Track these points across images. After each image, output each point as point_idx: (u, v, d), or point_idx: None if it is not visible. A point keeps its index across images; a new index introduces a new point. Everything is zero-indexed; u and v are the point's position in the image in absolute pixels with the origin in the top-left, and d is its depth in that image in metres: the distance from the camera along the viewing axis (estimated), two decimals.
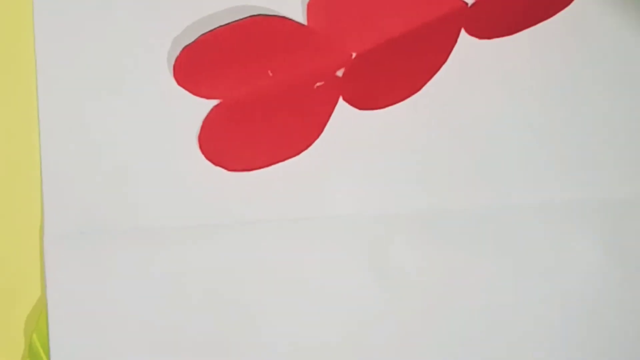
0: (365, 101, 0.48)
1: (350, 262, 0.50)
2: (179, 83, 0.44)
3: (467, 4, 0.48)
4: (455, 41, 0.49)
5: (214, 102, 0.46)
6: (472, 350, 0.52)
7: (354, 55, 0.47)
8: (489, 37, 0.50)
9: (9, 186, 0.45)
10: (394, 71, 0.48)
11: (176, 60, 0.44)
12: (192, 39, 0.44)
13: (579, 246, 0.53)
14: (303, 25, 0.46)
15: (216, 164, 0.46)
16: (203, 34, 0.44)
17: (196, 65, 0.44)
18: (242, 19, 0.45)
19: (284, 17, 0.45)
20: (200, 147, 0.46)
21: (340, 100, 0.48)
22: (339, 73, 0.47)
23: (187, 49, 0.44)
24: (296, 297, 0.49)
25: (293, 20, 0.46)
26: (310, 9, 0.46)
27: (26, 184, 0.45)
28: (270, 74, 0.46)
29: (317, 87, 0.47)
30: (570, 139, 0.52)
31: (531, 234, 0.53)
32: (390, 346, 0.51)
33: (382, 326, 0.51)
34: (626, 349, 0.56)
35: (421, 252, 0.51)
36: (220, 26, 0.44)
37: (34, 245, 0.45)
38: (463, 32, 0.49)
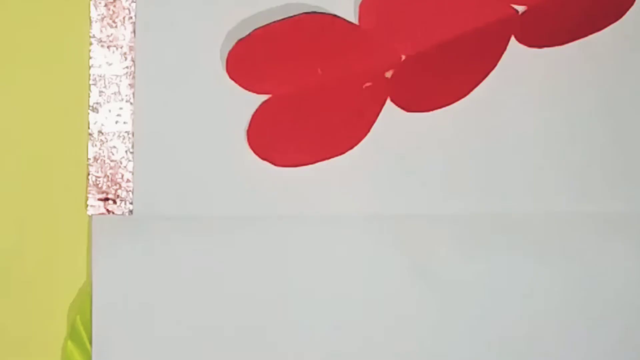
0: (412, 103, 0.48)
1: (390, 260, 0.50)
2: (231, 76, 0.45)
3: (517, 11, 0.48)
4: (505, 48, 0.49)
5: (264, 97, 0.46)
6: (509, 352, 0.52)
7: (403, 57, 0.47)
8: (539, 46, 0.50)
9: (54, 174, 0.46)
10: (442, 75, 0.49)
11: (229, 54, 0.45)
12: (246, 33, 0.45)
13: (621, 255, 0.53)
14: (354, 24, 0.47)
15: (263, 158, 0.47)
16: (256, 29, 0.45)
17: (248, 59, 0.45)
18: (295, 16, 0.45)
19: (335, 16, 0.46)
20: (249, 141, 0.46)
21: (388, 101, 0.48)
22: (388, 74, 0.48)
23: (240, 43, 0.45)
24: (336, 290, 0.49)
25: (345, 20, 0.46)
26: (362, 10, 0.46)
27: (70, 168, 0.46)
28: (320, 72, 0.46)
29: (366, 87, 0.47)
30: (617, 152, 0.52)
31: (573, 241, 0.52)
32: (426, 345, 0.51)
33: (418, 326, 0.51)
34: None
35: (460, 254, 0.51)
36: (274, 22, 0.45)
37: (82, 230, 0.46)
38: (513, 40, 0.49)
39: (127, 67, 0.44)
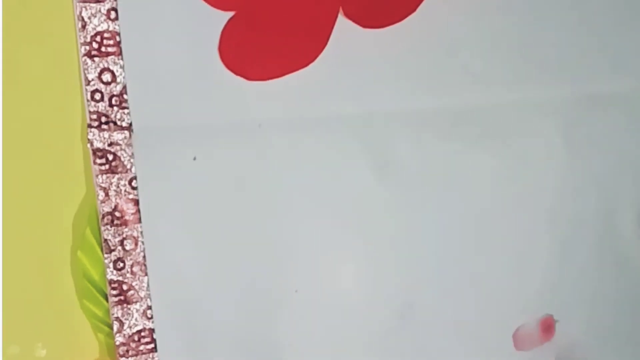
0: (365, 18, 0.54)
1: (356, 153, 0.56)
2: None
3: None
4: None
5: (230, 14, 0.51)
6: (464, 230, 0.60)
7: None
8: None
9: (51, 96, 0.50)
10: None
11: None
12: None
13: (556, 139, 0.61)
14: None
15: (238, 74, 0.52)
16: None
17: None
18: None
19: None
20: (222, 60, 0.52)
21: (345, 19, 0.54)
22: None
23: None
24: (306, 185, 0.55)
25: None
26: None
27: (66, 93, 0.50)
28: None
29: None
30: (542, 45, 0.60)
31: (509, 128, 0.60)
32: (390, 230, 0.58)
33: (383, 214, 0.58)
34: (587, 221, 0.64)
35: (418, 146, 0.58)
36: None
37: (77, 147, 0.51)
38: None
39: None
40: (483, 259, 0.61)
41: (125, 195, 0.51)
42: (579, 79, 0.61)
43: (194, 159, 0.52)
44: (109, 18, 0.50)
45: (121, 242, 0.51)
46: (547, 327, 0.63)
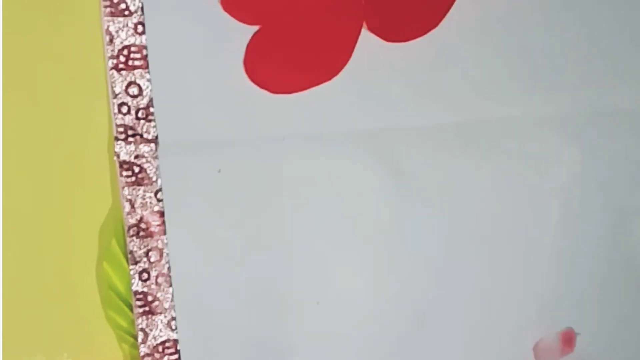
0: (389, 32, 0.55)
1: (370, 167, 0.57)
2: (225, 9, 0.51)
3: None
4: None
5: (255, 28, 0.52)
6: (474, 239, 0.61)
7: None
8: None
9: (79, 109, 0.51)
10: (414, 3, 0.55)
11: None
12: None
13: (563, 152, 0.62)
14: None
15: (261, 87, 0.53)
16: None
17: None
18: None
19: None
20: (247, 72, 0.52)
21: (369, 33, 0.54)
22: None
23: None
24: (329, 198, 0.56)
25: None
26: None
27: (93, 106, 0.51)
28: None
29: (342, 12, 0.53)
30: (557, 61, 0.60)
31: (525, 142, 0.61)
32: (402, 236, 0.59)
33: (396, 222, 0.59)
34: (602, 230, 0.64)
35: (433, 161, 0.58)
36: None
37: (103, 159, 0.52)
38: None
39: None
40: (499, 270, 0.61)
41: (150, 207, 0.52)
42: (585, 92, 0.62)
43: (219, 171, 0.53)
44: (136, 32, 0.50)
45: (146, 254, 0.52)
46: (568, 340, 0.63)
